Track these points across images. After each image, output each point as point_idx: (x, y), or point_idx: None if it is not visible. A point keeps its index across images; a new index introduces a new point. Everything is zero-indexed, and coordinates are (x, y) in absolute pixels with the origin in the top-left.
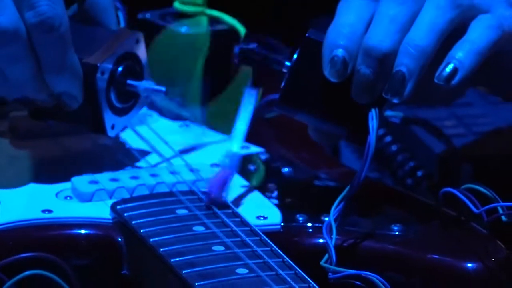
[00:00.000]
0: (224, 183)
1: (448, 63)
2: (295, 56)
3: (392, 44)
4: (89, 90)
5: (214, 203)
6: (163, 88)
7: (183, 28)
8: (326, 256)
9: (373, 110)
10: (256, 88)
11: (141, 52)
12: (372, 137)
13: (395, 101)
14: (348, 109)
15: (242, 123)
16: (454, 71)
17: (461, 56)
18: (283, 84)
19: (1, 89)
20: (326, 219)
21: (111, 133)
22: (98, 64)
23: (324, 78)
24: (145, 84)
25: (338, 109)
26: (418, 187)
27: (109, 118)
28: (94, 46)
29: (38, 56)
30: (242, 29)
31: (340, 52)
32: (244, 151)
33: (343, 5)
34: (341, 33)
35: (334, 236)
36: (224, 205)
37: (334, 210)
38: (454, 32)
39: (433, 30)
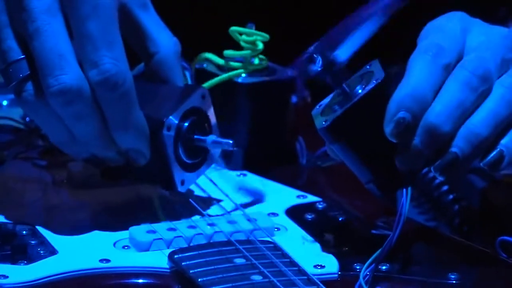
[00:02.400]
0: None
1: (496, 151)
2: (360, 91)
3: (452, 128)
4: (157, 146)
5: None
6: (230, 141)
7: (240, 78)
8: None
9: (404, 190)
10: None
11: (208, 107)
12: (404, 212)
13: (440, 178)
14: (385, 162)
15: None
16: (500, 159)
17: (509, 145)
18: (340, 111)
19: (70, 148)
20: (383, 267)
21: (181, 188)
22: (164, 120)
23: (379, 126)
24: (212, 138)
25: (378, 158)
26: (474, 236)
27: (179, 174)
28: (160, 102)
29: (104, 113)
30: None
31: (407, 115)
32: (301, 200)
33: (416, 62)
34: (412, 96)
35: None
36: None
37: (364, 272)
38: None
39: (495, 120)
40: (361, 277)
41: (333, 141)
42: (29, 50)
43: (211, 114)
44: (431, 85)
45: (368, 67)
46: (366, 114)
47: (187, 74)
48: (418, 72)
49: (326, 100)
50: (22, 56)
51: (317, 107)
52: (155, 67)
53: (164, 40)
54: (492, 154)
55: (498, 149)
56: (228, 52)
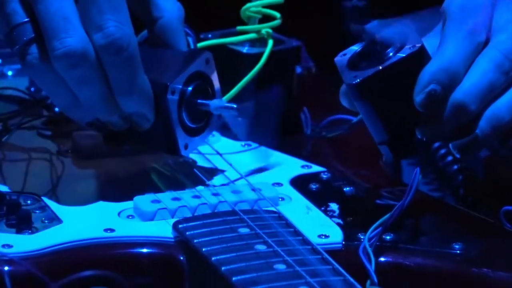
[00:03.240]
0: None
1: None
2: (391, 54)
3: (479, 107)
4: (161, 111)
5: None
6: (234, 105)
7: (244, 48)
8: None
9: (417, 168)
10: None
11: (211, 71)
12: (414, 186)
13: (457, 156)
14: (404, 128)
15: None
16: None
17: None
18: (372, 71)
19: (74, 112)
20: (387, 237)
21: (184, 152)
22: (169, 84)
23: (407, 91)
24: (216, 102)
25: (398, 122)
26: (479, 205)
27: (182, 138)
28: (164, 67)
29: (108, 77)
30: None
31: (438, 88)
32: (306, 171)
33: (451, 35)
34: (446, 70)
35: (372, 260)
36: None
37: (370, 234)
38: None
39: None
40: (366, 238)
41: (358, 98)
42: (34, 13)
43: (215, 78)
44: (464, 61)
45: None
46: (396, 78)
47: (190, 40)
48: (453, 46)
49: (352, 50)
50: (27, 19)
51: (341, 55)
52: (159, 32)
53: (167, 5)
54: None
55: None
56: (240, 28)
